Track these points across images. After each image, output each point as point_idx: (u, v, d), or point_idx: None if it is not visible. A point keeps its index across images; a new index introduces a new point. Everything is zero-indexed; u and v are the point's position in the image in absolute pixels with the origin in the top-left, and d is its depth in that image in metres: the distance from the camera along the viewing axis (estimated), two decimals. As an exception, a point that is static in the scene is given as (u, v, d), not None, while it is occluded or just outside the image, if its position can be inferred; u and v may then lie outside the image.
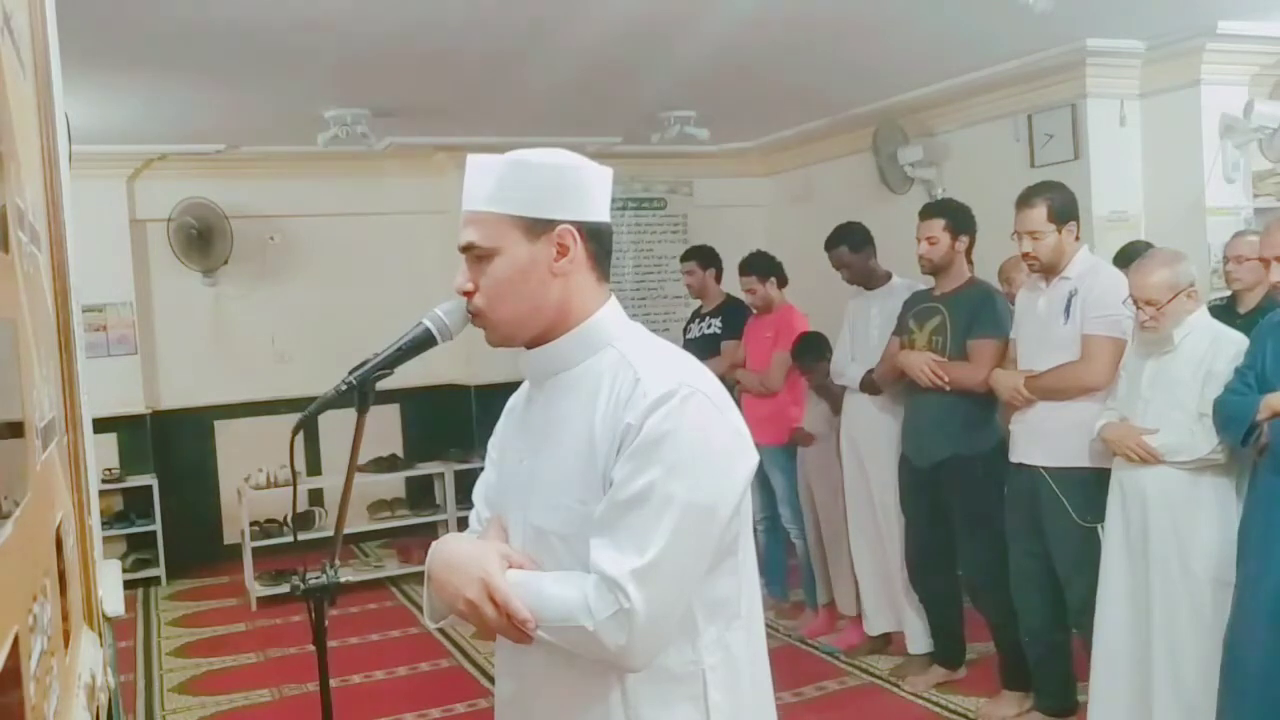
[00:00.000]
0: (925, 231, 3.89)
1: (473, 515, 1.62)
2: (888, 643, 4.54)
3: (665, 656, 1.37)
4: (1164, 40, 5.01)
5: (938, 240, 3.87)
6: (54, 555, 1.35)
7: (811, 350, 4.61)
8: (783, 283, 5.00)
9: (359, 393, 1.46)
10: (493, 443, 1.62)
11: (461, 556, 1.43)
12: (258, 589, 5.81)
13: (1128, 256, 3.93)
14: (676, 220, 7.69)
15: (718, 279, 5.40)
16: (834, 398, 4.56)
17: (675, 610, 1.35)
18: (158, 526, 6.36)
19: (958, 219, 3.89)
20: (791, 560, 5.20)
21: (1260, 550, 2.85)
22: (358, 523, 6.37)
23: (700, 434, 1.35)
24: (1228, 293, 3.97)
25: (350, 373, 1.47)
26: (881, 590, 4.41)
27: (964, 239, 3.89)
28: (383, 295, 6.77)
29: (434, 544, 1.50)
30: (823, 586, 4.89)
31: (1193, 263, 3.20)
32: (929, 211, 3.99)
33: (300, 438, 1.51)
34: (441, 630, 5.14)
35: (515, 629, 1.36)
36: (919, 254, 3.91)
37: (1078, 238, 3.52)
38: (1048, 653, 3.66)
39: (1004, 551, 3.68)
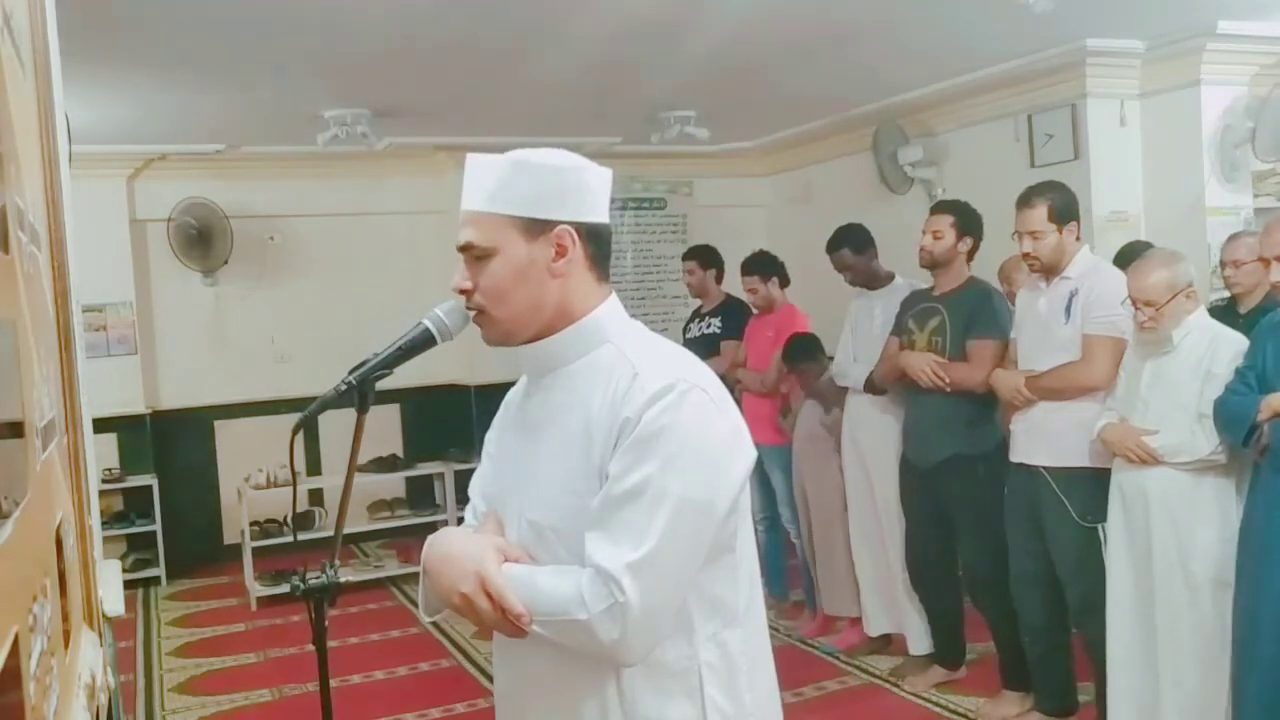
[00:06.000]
0: (932, 225, 3.90)
1: (469, 509, 1.63)
2: (888, 643, 4.53)
3: (662, 652, 1.38)
4: (1164, 40, 5.01)
5: (943, 235, 3.87)
6: (54, 555, 1.35)
7: (802, 352, 4.60)
8: (784, 282, 5.00)
9: (359, 393, 1.47)
10: (489, 437, 1.63)
11: (457, 550, 1.43)
12: (258, 589, 5.81)
13: (1129, 257, 3.91)
14: (676, 220, 7.68)
15: (718, 279, 5.40)
16: (825, 399, 4.56)
17: (670, 605, 1.35)
18: (158, 526, 6.36)
19: (967, 220, 3.89)
20: (791, 560, 5.20)
21: (1263, 551, 2.84)
22: (358, 523, 6.37)
23: (697, 429, 1.35)
24: (1228, 294, 3.96)
25: (350, 373, 1.48)
26: (883, 591, 4.40)
27: (968, 240, 3.89)
28: (383, 295, 6.77)
29: (429, 538, 1.50)
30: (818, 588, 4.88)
31: (1191, 263, 3.19)
32: (940, 208, 4.01)
33: (300, 438, 1.51)
34: (441, 630, 5.17)
35: (510, 623, 1.36)
36: (921, 245, 3.91)
37: (1079, 238, 3.51)
38: (1048, 653, 3.66)
39: (1004, 551, 3.68)
